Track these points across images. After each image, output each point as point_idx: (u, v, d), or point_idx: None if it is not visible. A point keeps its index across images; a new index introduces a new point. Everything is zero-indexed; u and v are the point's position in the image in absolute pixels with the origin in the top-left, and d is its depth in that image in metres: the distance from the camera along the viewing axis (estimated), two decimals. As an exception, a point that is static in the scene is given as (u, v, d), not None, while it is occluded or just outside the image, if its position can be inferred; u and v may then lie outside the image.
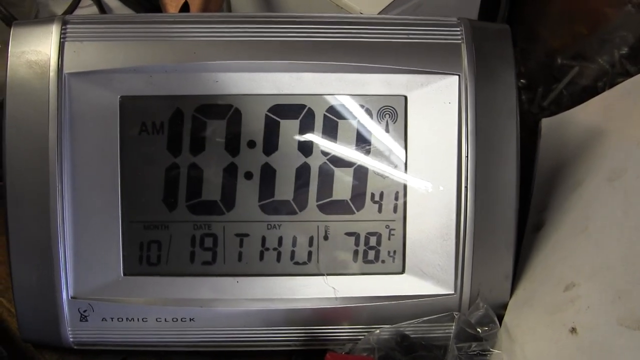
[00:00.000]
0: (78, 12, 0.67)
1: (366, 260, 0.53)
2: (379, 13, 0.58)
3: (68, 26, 0.51)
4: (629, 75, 0.64)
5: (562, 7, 0.70)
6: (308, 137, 0.52)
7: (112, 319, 0.52)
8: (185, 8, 0.57)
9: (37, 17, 0.68)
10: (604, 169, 0.56)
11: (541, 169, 0.62)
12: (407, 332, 0.52)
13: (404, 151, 0.52)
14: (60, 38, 0.50)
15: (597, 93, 0.64)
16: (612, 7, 0.66)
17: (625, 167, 0.54)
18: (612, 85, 0.64)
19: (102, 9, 0.67)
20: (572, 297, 0.49)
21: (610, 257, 0.50)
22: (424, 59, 0.52)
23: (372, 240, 0.53)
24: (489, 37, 0.53)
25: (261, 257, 0.53)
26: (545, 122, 0.65)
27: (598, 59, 0.67)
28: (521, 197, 0.53)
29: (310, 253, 0.53)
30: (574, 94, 0.68)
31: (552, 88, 0.69)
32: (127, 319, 0.52)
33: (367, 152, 0.52)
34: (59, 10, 0.68)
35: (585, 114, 0.63)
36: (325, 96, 0.52)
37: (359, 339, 0.53)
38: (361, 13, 0.58)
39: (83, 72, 0.50)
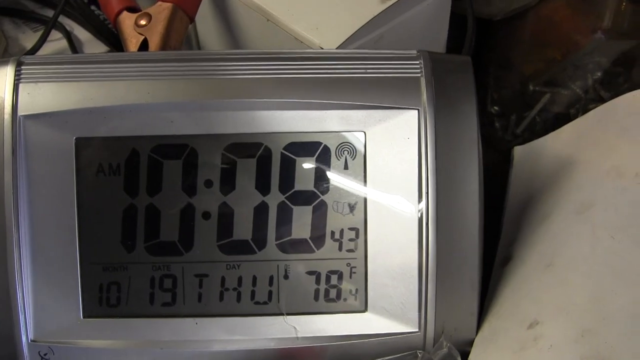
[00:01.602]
0: (48, 45, 0.67)
1: (328, 299, 0.52)
2: (339, 46, 0.57)
3: (22, 67, 0.51)
4: (602, 101, 0.63)
5: (533, 33, 0.69)
6: (265, 175, 0.51)
7: (72, 362, 0.51)
8: (144, 46, 0.57)
9: (7, 52, 0.67)
10: (573, 200, 0.54)
11: (512, 199, 0.61)
12: (370, 372, 0.52)
13: (364, 188, 0.51)
14: (15, 79, 0.50)
15: (570, 119, 0.63)
16: (582, 34, 0.65)
17: (593, 199, 0.53)
18: (585, 111, 0.63)
19: (72, 42, 0.67)
20: (536, 335, 0.48)
21: (575, 294, 0.49)
22: (383, 93, 0.51)
23: (333, 279, 0.52)
24: (450, 70, 0.52)
25: (221, 298, 0.52)
26: (518, 150, 0.64)
27: (571, 85, 0.66)
28: (493, 229, 0.52)
29: (270, 293, 0.52)
30: (547, 121, 0.67)
31: (525, 115, 0.68)
32: (87, 361, 0.51)
33: (326, 189, 0.52)
34: (29, 44, 0.68)
35: (557, 142, 0.62)
36: (282, 134, 0.51)
37: (322, 379, 0.52)
38: (321, 47, 0.57)
39: (37, 113, 0.50)
